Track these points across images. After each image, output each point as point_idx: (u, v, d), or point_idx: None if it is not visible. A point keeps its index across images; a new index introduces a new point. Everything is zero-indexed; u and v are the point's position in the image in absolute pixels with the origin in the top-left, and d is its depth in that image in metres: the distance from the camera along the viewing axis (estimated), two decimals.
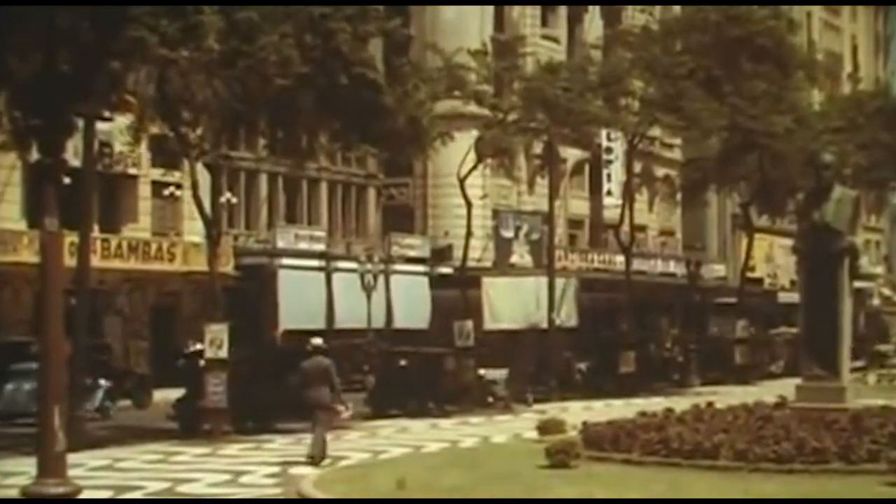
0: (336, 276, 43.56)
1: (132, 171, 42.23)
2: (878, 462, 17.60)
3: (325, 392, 23.19)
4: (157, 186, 43.42)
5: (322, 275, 43.85)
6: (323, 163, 49.67)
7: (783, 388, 24.95)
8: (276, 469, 22.04)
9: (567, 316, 47.32)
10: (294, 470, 21.57)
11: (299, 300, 42.60)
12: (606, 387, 40.97)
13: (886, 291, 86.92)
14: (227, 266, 39.06)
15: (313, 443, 22.64)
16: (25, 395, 29.06)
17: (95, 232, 35.56)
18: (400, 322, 41.46)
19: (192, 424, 29.12)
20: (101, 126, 30.81)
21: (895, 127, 59.75)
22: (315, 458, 22.19)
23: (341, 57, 30.17)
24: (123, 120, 32.40)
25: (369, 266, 39.78)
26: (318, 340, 24.76)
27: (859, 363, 45.94)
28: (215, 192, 34.45)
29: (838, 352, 20.36)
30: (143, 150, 40.39)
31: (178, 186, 42.40)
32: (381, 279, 40.57)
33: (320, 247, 45.34)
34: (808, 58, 56.65)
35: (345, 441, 26.96)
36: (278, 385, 30.40)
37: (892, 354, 63.23)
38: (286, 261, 43.54)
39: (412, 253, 47.90)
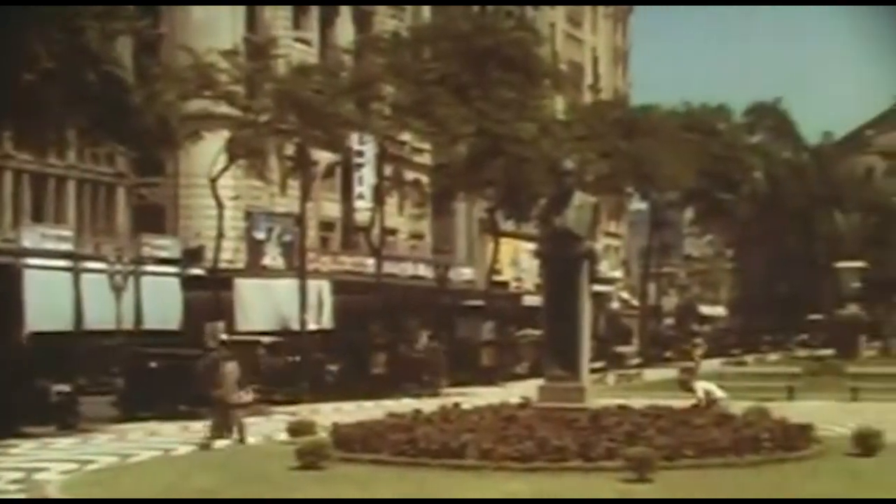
0: (85, 277, 42.65)
1: None
2: (615, 460, 18.21)
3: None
4: None
5: (70, 275, 42.89)
6: (71, 161, 48.63)
7: (528, 389, 25.56)
8: (20, 475, 21.59)
9: (324, 318, 47.53)
10: (39, 475, 21.22)
11: (46, 301, 41.53)
12: (358, 388, 41.32)
13: (625, 295, 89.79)
14: None
15: (228, 424, 25.91)
16: None
17: None
18: (151, 323, 40.89)
19: None
20: None
21: (633, 136, 62.10)
22: (213, 437, 25.28)
23: (89, 54, 29.73)
24: None
25: (119, 266, 39.06)
26: (224, 336, 29.69)
27: (599, 364, 47.58)
28: None
29: (578, 353, 21.04)
30: None
31: None
32: (131, 280, 39.92)
33: (68, 246, 44.32)
34: (552, 68, 58.35)
35: (92, 445, 26.59)
36: (24, 388, 29.73)
37: (631, 355, 65.55)
38: (32, 260, 42.41)
39: (163, 254, 47.27)
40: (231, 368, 25.94)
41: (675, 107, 76.13)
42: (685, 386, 23.97)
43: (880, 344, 69.32)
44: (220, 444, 25.43)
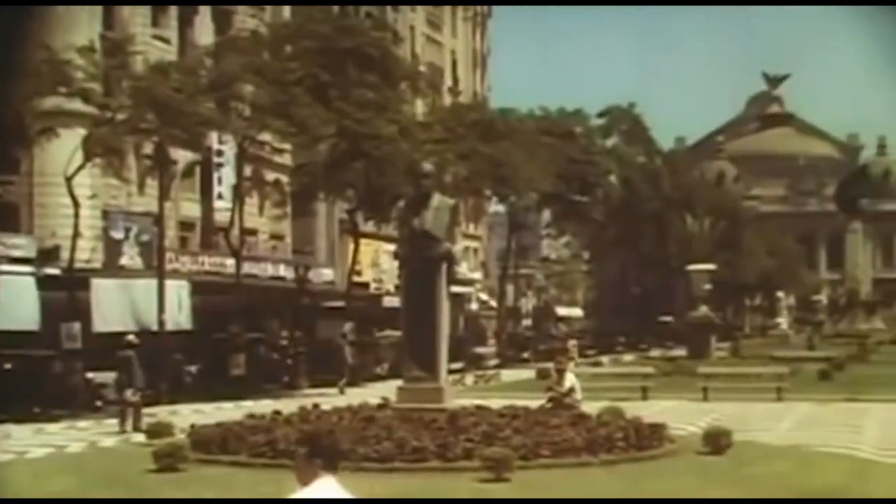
0: None
1: None
2: (473, 459, 18.51)
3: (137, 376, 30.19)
4: None
5: None
6: None
7: (387, 390, 25.76)
8: None
9: (183, 319, 47.05)
10: None
11: None
12: (217, 389, 41.12)
13: (484, 296, 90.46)
14: None
15: (124, 418, 29.41)
16: None
17: None
18: (5, 324, 40.04)
19: None
20: None
21: (492, 139, 62.57)
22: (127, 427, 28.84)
23: None
24: None
25: None
26: (131, 337, 31.75)
27: (458, 365, 47.98)
28: None
29: (437, 354, 21.25)
30: None
31: None
32: None
33: None
34: (411, 69, 58.60)
35: None
36: None
37: (489, 356, 66.12)
38: None
39: (17, 253, 46.34)
40: None
41: (533, 110, 77.14)
42: (557, 369, 24.50)
43: (730, 344, 71.01)
44: (74, 447, 25.20)
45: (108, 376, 36.17)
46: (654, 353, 76.18)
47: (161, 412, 32.63)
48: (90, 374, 37.60)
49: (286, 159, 62.85)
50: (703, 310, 62.75)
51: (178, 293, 46.79)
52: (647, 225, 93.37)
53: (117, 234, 50.97)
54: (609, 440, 20.06)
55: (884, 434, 27.13)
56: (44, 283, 45.20)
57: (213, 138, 55.11)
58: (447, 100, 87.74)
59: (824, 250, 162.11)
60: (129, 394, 29.99)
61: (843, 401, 36.05)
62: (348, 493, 6.75)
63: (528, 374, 49.66)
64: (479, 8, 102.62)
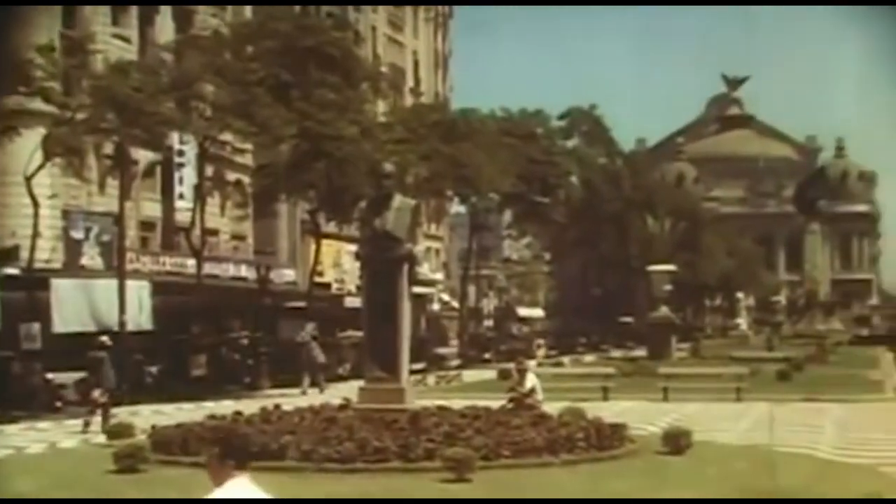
0: None
1: None
2: (434, 460, 18.53)
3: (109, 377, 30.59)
4: None
5: None
6: None
7: (349, 390, 25.78)
8: None
9: (144, 319, 46.86)
10: None
11: None
12: (178, 390, 40.99)
13: (446, 297, 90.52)
14: None
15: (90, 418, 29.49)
16: None
17: None
18: None
19: None
20: None
21: (453, 139, 62.63)
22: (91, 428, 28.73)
23: None
24: None
25: None
26: (104, 339, 31.95)
27: (420, 365, 48.02)
28: None
29: (398, 355, 21.24)
30: None
31: None
32: None
33: None
34: (373, 70, 58.59)
35: None
36: None
37: (451, 357, 66.21)
38: None
39: None
40: None
41: (494, 111, 77.29)
42: (519, 369, 24.62)
43: (690, 345, 71.36)
44: (34, 448, 25.03)
45: (69, 377, 36.06)
46: (615, 353, 76.47)
47: (122, 413, 32.47)
48: (50, 375, 37.42)
49: (248, 159, 62.70)
50: (664, 310, 63.01)
51: (139, 293, 46.59)
52: (607, 226, 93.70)
53: (77, 234, 50.71)
54: (570, 440, 20.13)
55: (841, 434, 27.39)
56: (3, 283, 44.94)
57: (174, 138, 54.89)
58: (409, 100, 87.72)
59: (783, 251, 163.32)
60: (96, 394, 29.96)
61: (801, 401, 36.36)
62: (262, 491, 6.76)
63: (489, 374, 49.75)
64: (440, 8, 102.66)
